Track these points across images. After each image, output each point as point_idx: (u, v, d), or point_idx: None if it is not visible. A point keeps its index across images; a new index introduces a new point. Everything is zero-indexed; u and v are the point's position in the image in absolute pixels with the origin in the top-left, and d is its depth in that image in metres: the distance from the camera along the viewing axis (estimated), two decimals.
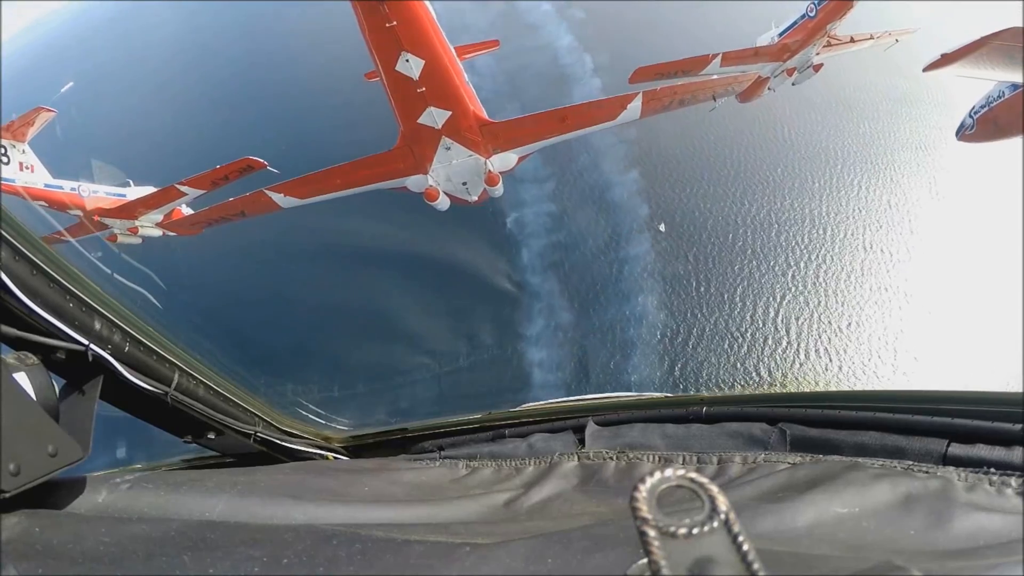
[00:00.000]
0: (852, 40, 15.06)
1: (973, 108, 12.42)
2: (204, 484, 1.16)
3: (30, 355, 1.08)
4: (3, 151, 12.52)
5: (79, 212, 13.78)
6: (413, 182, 12.11)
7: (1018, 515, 0.94)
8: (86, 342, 1.14)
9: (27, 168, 12.92)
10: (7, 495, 0.86)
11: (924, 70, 9.95)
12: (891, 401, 1.35)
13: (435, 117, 10.79)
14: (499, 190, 12.79)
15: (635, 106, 11.25)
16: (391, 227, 20.06)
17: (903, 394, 1.43)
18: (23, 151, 12.85)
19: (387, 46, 9.82)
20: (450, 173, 11.98)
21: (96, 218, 13.91)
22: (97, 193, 14.28)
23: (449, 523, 1.13)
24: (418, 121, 10.88)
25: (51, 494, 1.00)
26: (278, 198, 12.05)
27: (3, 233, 0.98)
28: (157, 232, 14.42)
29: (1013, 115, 11.39)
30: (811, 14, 14.00)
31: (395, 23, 9.39)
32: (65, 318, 1.10)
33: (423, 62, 10.00)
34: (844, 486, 1.01)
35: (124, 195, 14.50)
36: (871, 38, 15.40)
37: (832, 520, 0.95)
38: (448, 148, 11.39)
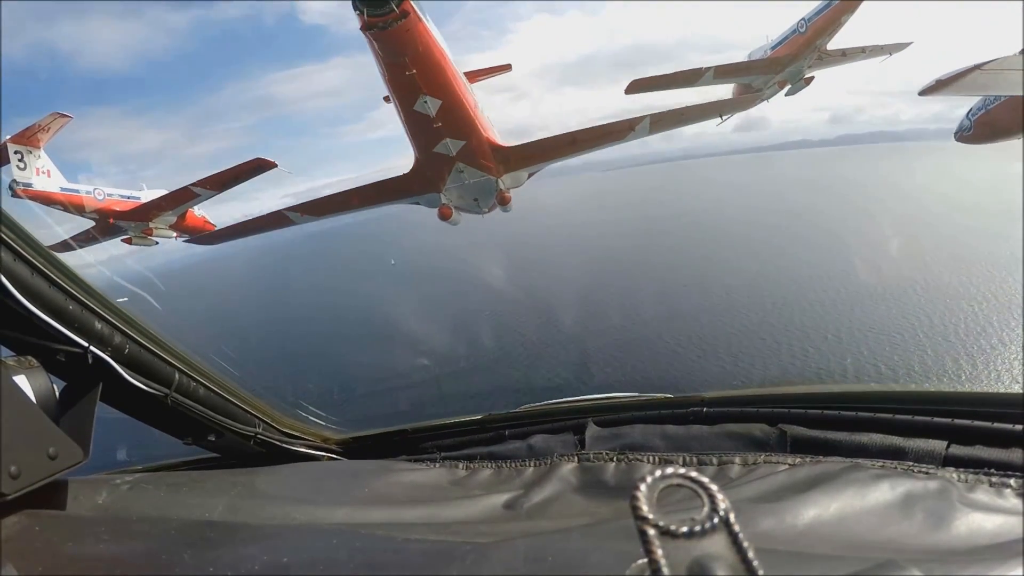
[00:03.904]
0: (844, 54, 15.37)
1: (970, 111, 12.61)
2: (204, 485, 1.16)
3: (30, 357, 1.08)
4: (20, 157, 12.75)
5: (95, 215, 14.04)
6: (427, 200, 12.59)
7: (1017, 515, 0.94)
8: (86, 344, 1.13)
9: (44, 173, 13.22)
10: (7, 498, 0.85)
11: (920, 94, 10.16)
12: (891, 401, 1.35)
13: (450, 147, 11.25)
14: (511, 207, 13.19)
15: (643, 127, 11.70)
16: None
17: (903, 394, 1.43)
18: (39, 156, 13.13)
19: (406, 90, 10.33)
20: (462, 192, 12.40)
21: (111, 220, 14.17)
22: (112, 196, 14.51)
23: (449, 523, 1.13)
24: (434, 150, 11.36)
25: (51, 495, 1.00)
26: (295, 217, 12.68)
27: (3, 235, 0.98)
28: (171, 234, 14.75)
29: (1009, 118, 11.57)
30: (802, 30, 14.42)
31: (414, 71, 9.91)
32: (65, 320, 1.10)
33: (440, 102, 10.48)
34: (844, 486, 1.01)
35: (139, 197, 14.75)
36: (863, 52, 15.69)
37: (832, 520, 0.95)
38: (461, 171, 11.82)
